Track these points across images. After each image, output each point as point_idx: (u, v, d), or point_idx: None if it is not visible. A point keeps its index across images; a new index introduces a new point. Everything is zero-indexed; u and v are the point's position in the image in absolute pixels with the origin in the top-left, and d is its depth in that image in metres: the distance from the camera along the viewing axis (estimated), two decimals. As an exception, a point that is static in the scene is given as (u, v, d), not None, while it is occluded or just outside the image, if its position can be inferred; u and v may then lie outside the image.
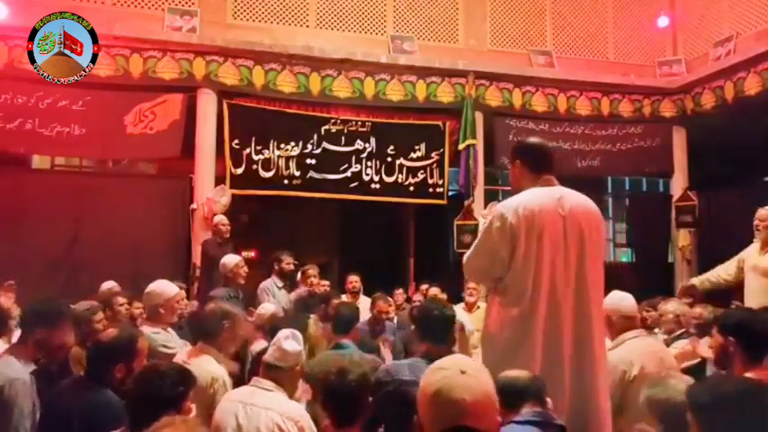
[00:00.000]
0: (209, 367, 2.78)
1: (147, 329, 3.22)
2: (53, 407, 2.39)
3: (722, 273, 4.81)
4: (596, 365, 2.23)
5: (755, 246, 4.64)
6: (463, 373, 1.28)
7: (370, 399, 2.13)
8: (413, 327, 2.79)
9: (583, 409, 2.20)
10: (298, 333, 2.59)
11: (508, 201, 2.38)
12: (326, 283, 5.78)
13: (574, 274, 2.25)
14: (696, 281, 5.01)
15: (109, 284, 5.06)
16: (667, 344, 3.52)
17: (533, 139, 2.61)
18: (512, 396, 1.81)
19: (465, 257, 2.45)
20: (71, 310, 3.04)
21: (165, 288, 3.40)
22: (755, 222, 4.62)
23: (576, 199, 2.39)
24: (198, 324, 3.09)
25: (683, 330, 3.98)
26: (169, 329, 3.36)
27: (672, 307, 4.06)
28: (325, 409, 2.14)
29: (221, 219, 6.17)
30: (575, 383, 2.19)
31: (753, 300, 4.28)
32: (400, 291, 6.63)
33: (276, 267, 5.53)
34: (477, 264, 2.40)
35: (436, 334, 2.50)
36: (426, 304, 2.78)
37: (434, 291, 5.58)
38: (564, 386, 2.17)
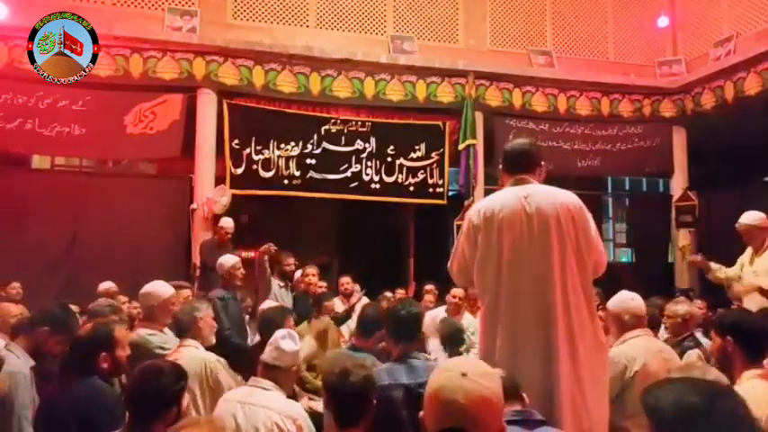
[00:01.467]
0: (196, 354, 2.88)
1: (143, 331, 3.24)
2: (47, 404, 2.42)
3: (730, 272, 4.83)
4: (560, 364, 2.15)
5: (749, 250, 4.71)
6: (464, 375, 1.29)
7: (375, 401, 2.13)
8: (385, 330, 2.77)
9: (545, 404, 2.12)
10: (294, 332, 2.60)
11: (476, 203, 2.46)
12: (323, 284, 5.78)
13: (538, 271, 2.23)
14: (715, 266, 4.94)
15: (106, 285, 5.06)
16: (672, 346, 3.48)
17: (512, 142, 2.59)
18: None
19: (448, 263, 2.50)
20: (78, 323, 3.09)
21: (160, 289, 3.41)
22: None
23: (546, 195, 2.31)
24: (173, 324, 3.22)
25: (688, 333, 3.93)
26: (165, 330, 3.37)
27: (682, 309, 3.99)
28: (328, 408, 2.14)
29: (228, 224, 6.10)
30: (539, 377, 2.16)
31: (751, 302, 4.31)
32: (402, 291, 6.61)
33: (276, 268, 5.56)
34: (454, 267, 2.45)
35: (408, 334, 2.54)
36: (393, 305, 2.78)
37: (457, 292, 5.22)
38: (531, 379, 2.13)
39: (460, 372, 1.30)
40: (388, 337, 2.64)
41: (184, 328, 3.05)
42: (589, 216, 2.34)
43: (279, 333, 2.54)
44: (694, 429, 1.21)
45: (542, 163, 2.46)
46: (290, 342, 2.51)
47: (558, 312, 2.19)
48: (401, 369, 2.42)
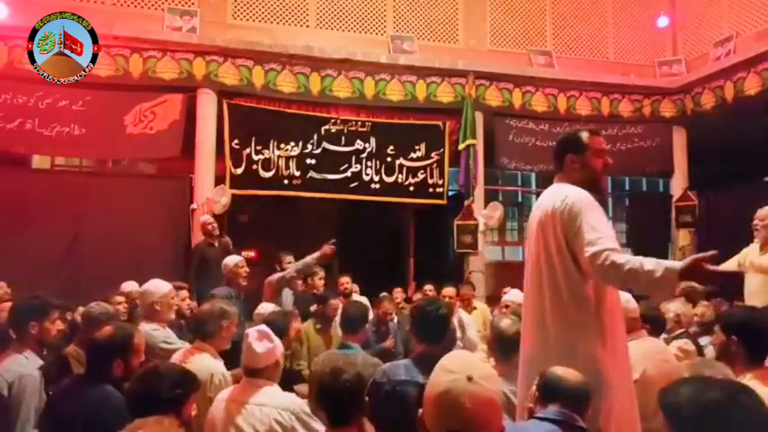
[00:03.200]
0: (207, 363, 2.79)
1: (146, 326, 3.23)
2: (54, 405, 2.40)
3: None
4: (529, 368, 2.20)
5: (755, 246, 4.66)
6: (470, 379, 1.29)
7: (366, 399, 2.12)
8: (409, 327, 2.76)
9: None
10: (265, 328, 2.53)
11: None
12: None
13: (526, 273, 2.32)
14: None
15: (130, 285, 5.00)
16: (667, 343, 3.52)
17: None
18: (545, 392, 1.83)
19: None
20: (54, 301, 3.09)
21: (159, 285, 3.45)
22: (755, 222, 4.64)
23: (546, 197, 2.29)
24: (196, 323, 3.09)
25: (682, 330, 3.99)
26: (167, 328, 3.37)
27: (673, 306, 4.05)
28: (320, 408, 2.13)
29: (206, 219, 6.24)
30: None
31: (754, 299, 4.28)
32: (399, 290, 6.62)
33: (278, 267, 5.65)
34: None
35: (433, 333, 2.52)
36: (422, 304, 2.75)
37: (449, 291, 5.48)
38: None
39: (466, 375, 1.29)
40: (412, 334, 2.61)
41: (208, 333, 2.92)
42: (576, 213, 2.11)
43: (250, 335, 2.45)
44: (714, 425, 1.20)
45: (567, 156, 2.33)
46: (266, 342, 2.44)
47: (528, 310, 2.26)
48: (419, 368, 2.42)
